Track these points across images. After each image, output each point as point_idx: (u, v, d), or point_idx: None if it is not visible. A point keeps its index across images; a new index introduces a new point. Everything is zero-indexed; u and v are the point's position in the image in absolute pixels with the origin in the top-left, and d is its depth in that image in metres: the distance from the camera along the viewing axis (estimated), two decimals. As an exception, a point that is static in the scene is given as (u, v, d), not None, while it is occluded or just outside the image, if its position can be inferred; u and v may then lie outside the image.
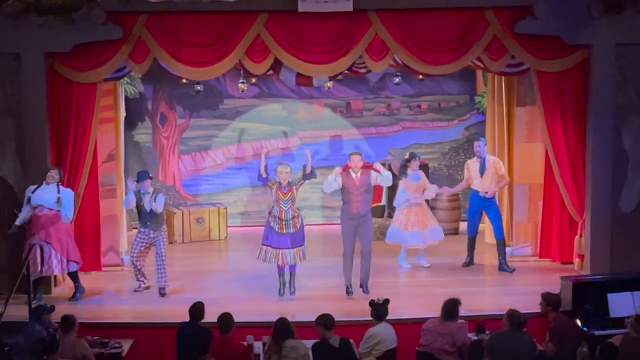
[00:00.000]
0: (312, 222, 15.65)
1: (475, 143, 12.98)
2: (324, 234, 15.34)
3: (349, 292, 11.61)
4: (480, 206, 12.98)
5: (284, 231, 11.46)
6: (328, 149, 16.46)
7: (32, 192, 11.43)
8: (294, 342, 8.73)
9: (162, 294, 11.73)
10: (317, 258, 13.26)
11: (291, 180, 11.52)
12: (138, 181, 11.76)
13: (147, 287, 11.99)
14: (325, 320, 8.98)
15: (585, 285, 10.54)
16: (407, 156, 13.08)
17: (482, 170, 12.82)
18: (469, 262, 13.17)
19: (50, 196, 11.41)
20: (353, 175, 11.50)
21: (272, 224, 11.48)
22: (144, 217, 11.77)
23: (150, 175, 11.99)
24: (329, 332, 8.93)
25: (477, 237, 13.23)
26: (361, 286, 11.65)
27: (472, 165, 12.97)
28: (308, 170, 11.61)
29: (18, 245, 11.57)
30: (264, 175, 11.49)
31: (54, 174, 11.49)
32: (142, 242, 11.80)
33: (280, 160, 14.92)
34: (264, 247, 11.54)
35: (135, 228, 12.83)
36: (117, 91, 13.46)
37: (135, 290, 11.94)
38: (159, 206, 11.69)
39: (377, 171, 11.59)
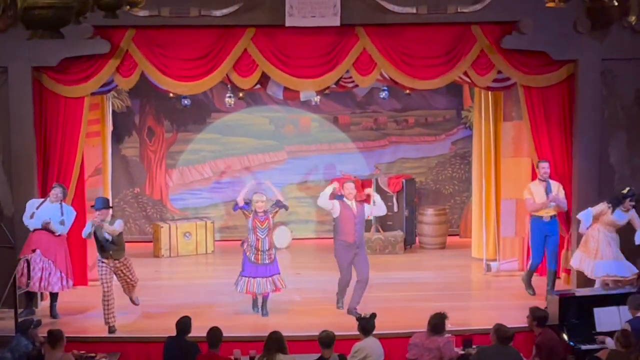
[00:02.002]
0: (301, 236, 15.62)
1: (543, 165, 12.11)
2: (313, 247, 15.30)
3: (339, 303, 11.60)
4: (544, 233, 12.12)
5: (259, 262, 11.37)
6: (315, 164, 16.45)
7: (37, 208, 11.34)
8: (285, 357, 8.62)
9: (137, 304, 11.42)
10: (306, 272, 13.22)
11: (267, 210, 11.47)
12: (95, 208, 10.83)
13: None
14: (321, 338, 8.83)
15: (572, 300, 10.57)
16: (625, 191, 11.38)
17: (548, 193, 12.09)
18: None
19: (56, 215, 11.33)
20: (349, 204, 11.39)
21: (248, 253, 11.43)
22: (104, 247, 10.80)
23: (111, 205, 11.21)
24: (327, 350, 8.76)
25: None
26: (349, 312, 11.30)
27: (536, 188, 12.13)
28: (274, 199, 11.60)
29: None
30: (241, 204, 11.43)
31: (58, 192, 11.37)
32: (110, 273, 10.87)
33: (268, 175, 14.95)
34: (244, 279, 11.44)
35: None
36: (105, 105, 13.45)
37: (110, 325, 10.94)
38: (114, 229, 10.72)
39: (370, 198, 11.57)
